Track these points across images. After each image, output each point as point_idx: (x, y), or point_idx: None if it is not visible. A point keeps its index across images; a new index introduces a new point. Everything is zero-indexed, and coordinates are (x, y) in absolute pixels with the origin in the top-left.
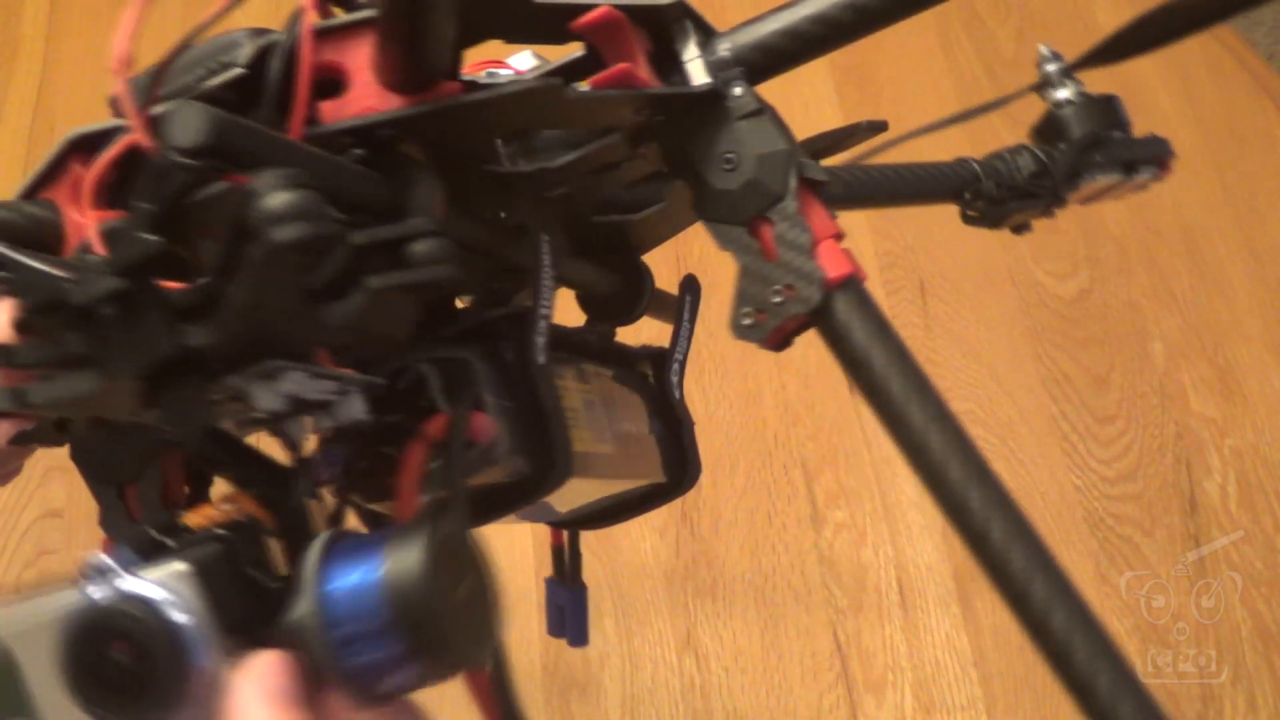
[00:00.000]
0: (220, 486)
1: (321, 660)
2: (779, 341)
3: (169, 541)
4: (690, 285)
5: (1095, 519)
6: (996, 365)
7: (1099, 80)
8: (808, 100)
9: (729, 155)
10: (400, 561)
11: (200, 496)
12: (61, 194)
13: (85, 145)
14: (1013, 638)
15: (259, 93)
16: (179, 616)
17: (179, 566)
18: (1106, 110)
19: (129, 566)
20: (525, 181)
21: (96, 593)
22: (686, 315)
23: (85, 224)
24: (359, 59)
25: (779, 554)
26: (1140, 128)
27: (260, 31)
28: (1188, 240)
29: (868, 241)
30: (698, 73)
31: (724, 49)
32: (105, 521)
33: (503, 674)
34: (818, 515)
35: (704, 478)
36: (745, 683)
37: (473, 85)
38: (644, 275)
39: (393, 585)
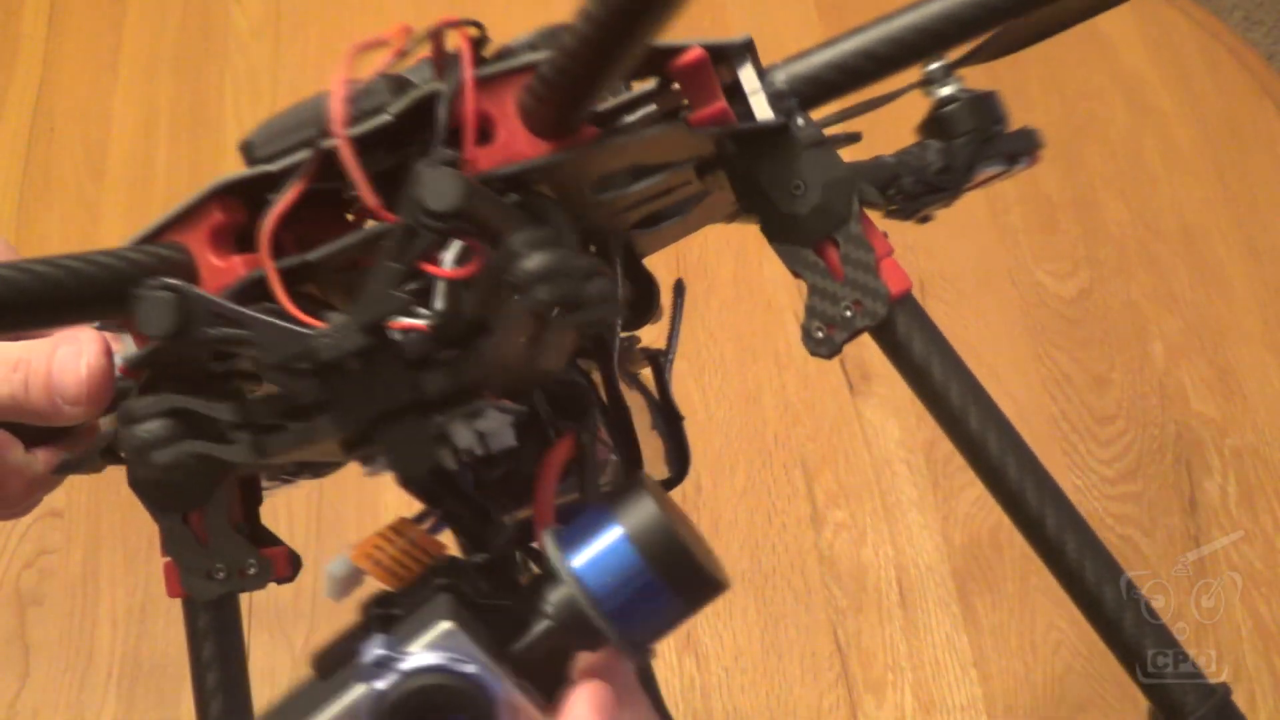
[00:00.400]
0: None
1: (602, 632)
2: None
3: (395, 611)
4: (680, 289)
5: (1095, 519)
6: (996, 365)
7: (981, 76)
8: None
9: (797, 182)
10: (635, 515)
11: (251, 520)
12: (195, 237)
13: (230, 191)
14: (1013, 638)
15: (398, 140)
16: (469, 669)
17: (445, 625)
18: (989, 106)
19: (398, 647)
20: (602, 210)
21: (382, 684)
22: (679, 317)
23: (228, 268)
24: (505, 106)
25: (779, 554)
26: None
27: (400, 81)
28: (1188, 240)
29: None
30: (761, 105)
31: (780, 81)
32: (169, 548)
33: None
34: (818, 515)
35: (704, 478)
36: (745, 683)
37: (609, 128)
38: (654, 281)
39: (640, 536)
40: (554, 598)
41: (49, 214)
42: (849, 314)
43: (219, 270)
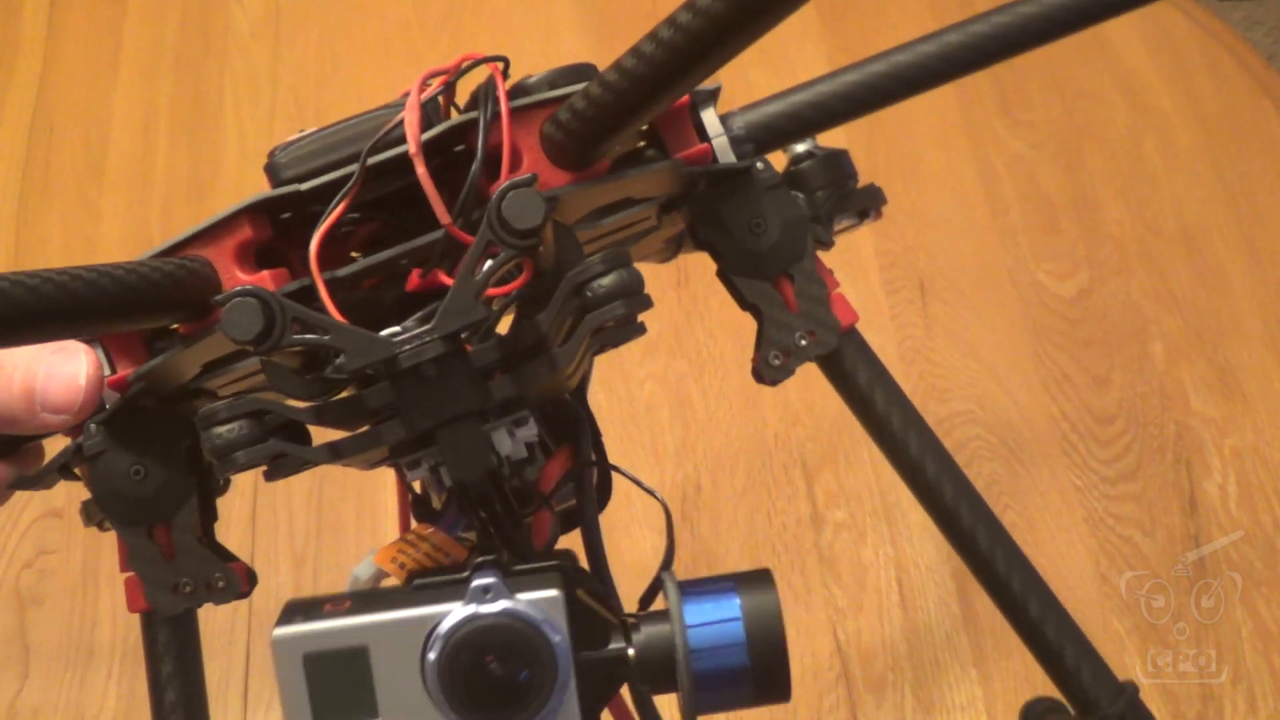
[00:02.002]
0: (229, 523)
1: (679, 682)
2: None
3: (523, 567)
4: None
5: (1095, 519)
6: (996, 365)
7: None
8: None
9: (757, 220)
10: (757, 600)
11: (209, 536)
12: (219, 252)
13: (259, 209)
14: (1013, 638)
15: (407, 166)
16: (554, 636)
17: (554, 592)
18: (840, 163)
19: (510, 589)
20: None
21: (481, 608)
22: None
23: (256, 282)
24: (532, 136)
25: (779, 554)
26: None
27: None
28: (1188, 240)
29: (868, 241)
30: (723, 148)
31: (739, 126)
32: (133, 563)
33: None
34: (818, 515)
35: (704, 478)
36: None
37: (618, 162)
38: None
39: (753, 620)
40: (651, 632)
41: (49, 214)
42: (803, 343)
43: (244, 284)
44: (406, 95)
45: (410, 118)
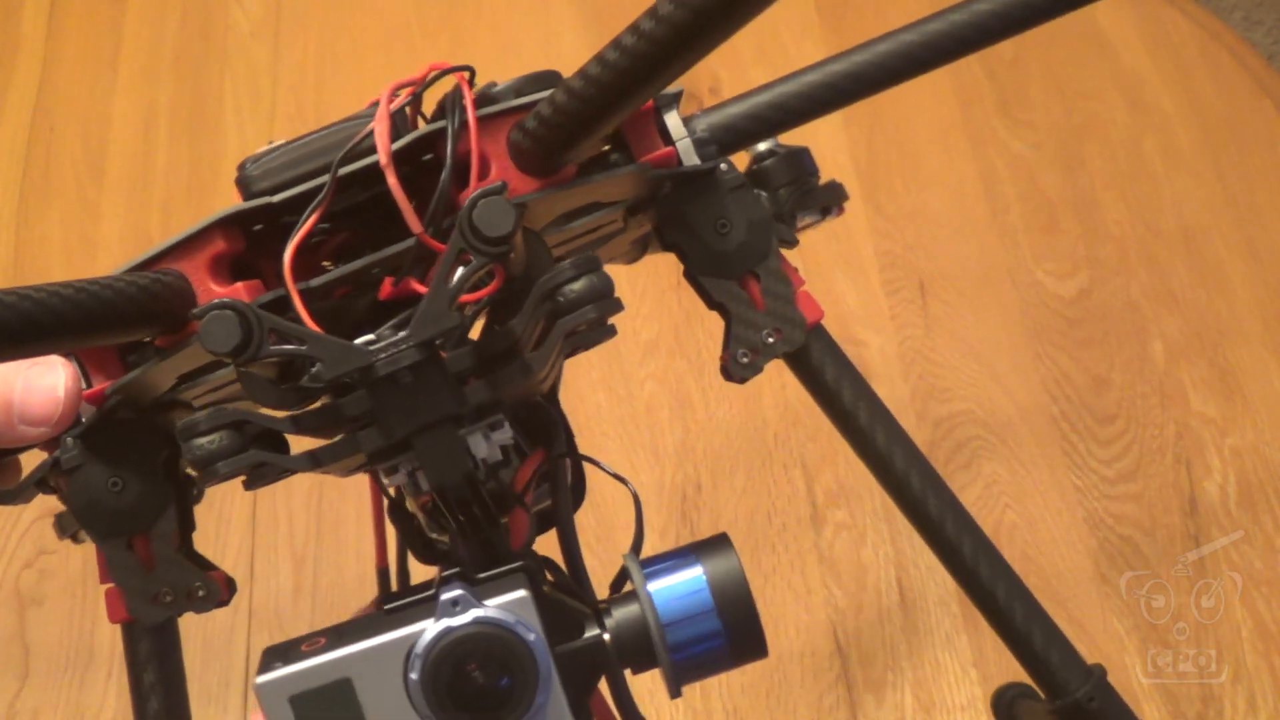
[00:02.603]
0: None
1: (658, 656)
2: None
3: (486, 574)
4: None
5: (1095, 519)
6: (996, 365)
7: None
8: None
9: (723, 221)
10: (718, 564)
11: (187, 545)
12: (193, 265)
13: (231, 222)
14: None
15: (376, 177)
16: (528, 635)
17: (521, 593)
18: (802, 160)
19: (476, 597)
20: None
21: (452, 621)
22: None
23: (230, 294)
24: (499, 144)
25: (779, 554)
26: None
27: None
28: (1188, 240)
29: (868, 241)
30: (687, 150)
31: (702, 129)
32: (114, 574)
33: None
34: (818, 515)
35: (704, 478)
36: (745, 683)
37: (584, 167)
38: None
39: (718, 583)
40: (622, 615)
41: (49, 214)
42: (770, 340)
43: (219, 296)
44: (375, 105)
45: (380, 128)
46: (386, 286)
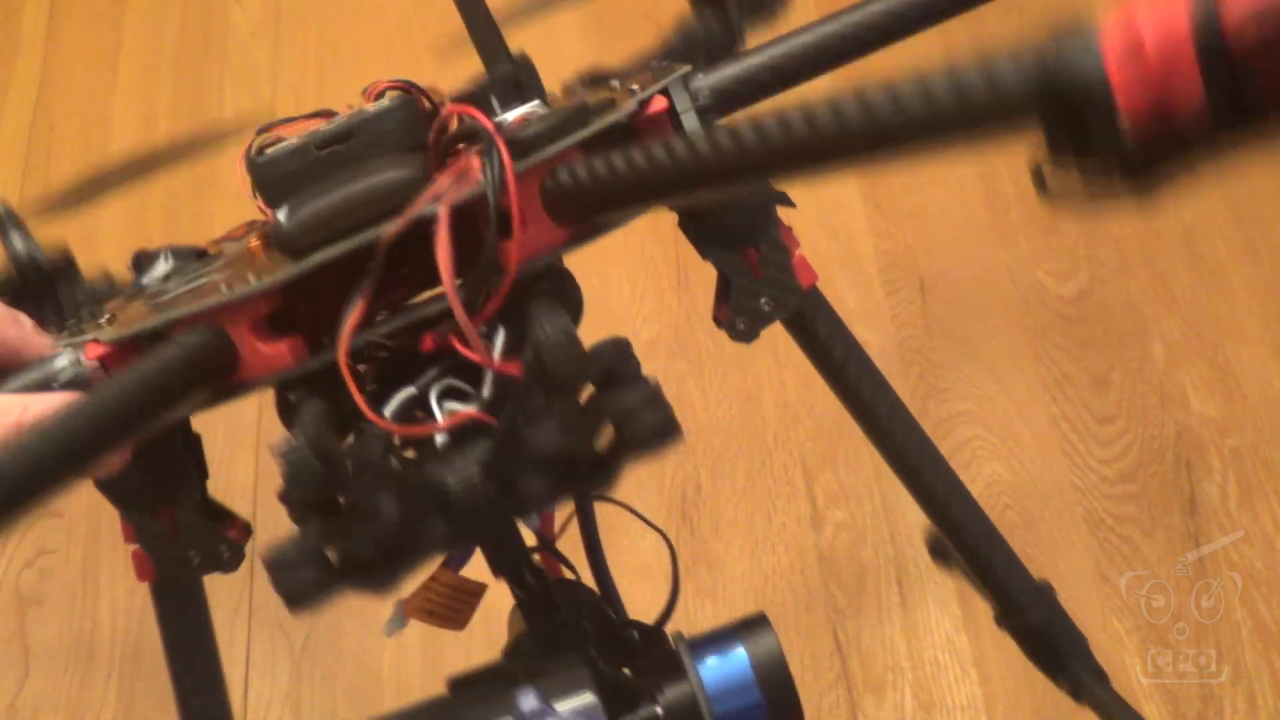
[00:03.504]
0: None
1: None
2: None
3: (541, 664)
4: None
5: (1095, 519)
6: (996, 365)
7: None
8: None
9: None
10: (759, 645)
11: (204, 496)
12: (236, 323)
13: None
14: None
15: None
16: None
17: (590, 698)
18: None
19: (549, 703)
20: None
21: None
22: None
23: (275, 354)
24: (533, 196)
25: (779, 554)
26: None
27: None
28: (1188, 240)
29: (868, 241)
30: (691, 122)
31: (704, 96)
32: (141, 539)
33: None
34: (818, 515)
35: (704, 478)
36: None
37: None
38: None
39: (760, 663)
40: (674, 693)
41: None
42: (768, 308)
43: (264, 355)
44: (383, 95)
45: (443, 253)
46: (427, 341)
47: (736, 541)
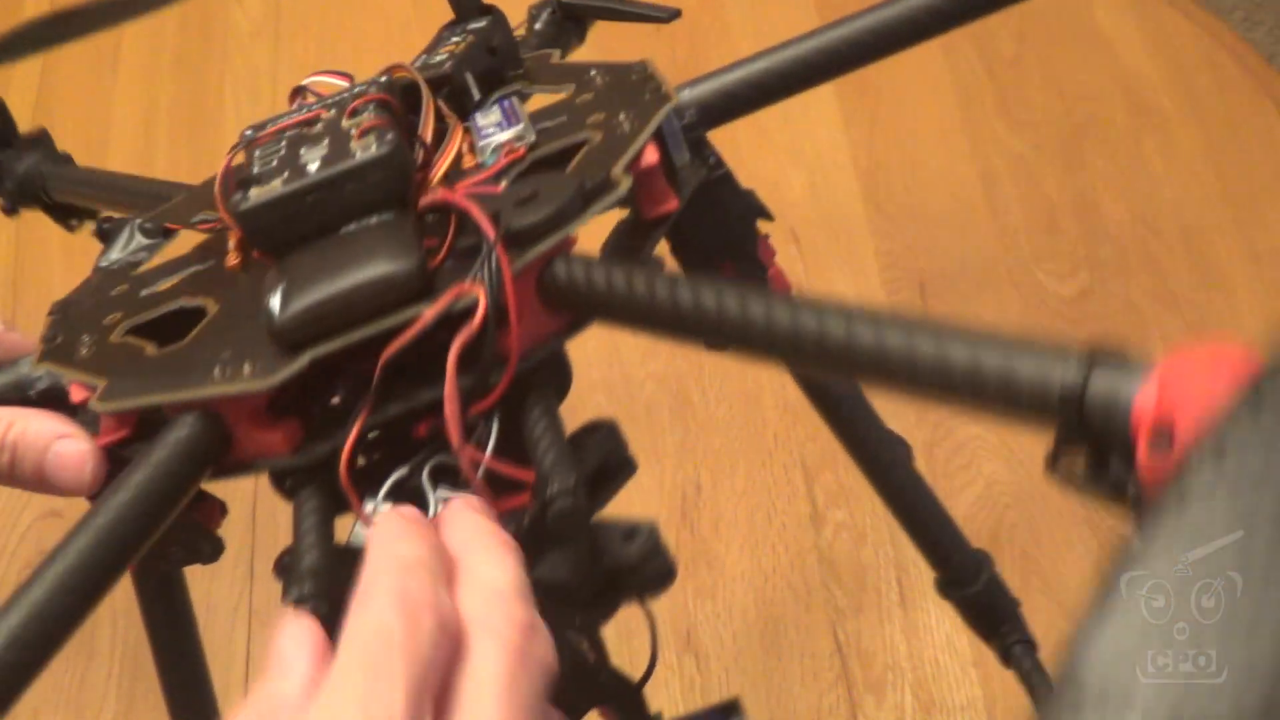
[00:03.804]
0: None
1: None
2: None
3: None
4: None
5: (1095, 519)
6: None
7: None
8: (808, 105)
9: (706, 213)
10: None
11: None
12: (236, 410)
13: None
14: None
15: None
16: None
17: None
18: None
19: None
20: None
21: None
22: None
23: (271, 440)
24: (528, 289)
25: (779, 554)
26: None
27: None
28: (1188, 240)
29: (868, 241)
30: (678, 146)
31: (691, 113)
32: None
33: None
34: (818, 515)
35: (704, 478)
36: (745, 683)
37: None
38: None
39: None
40: None
41: None
42: None
43: (261, 440)
44: (354, 90)
45: (451, 408)
46: (421, 429)
47: (736, 541)
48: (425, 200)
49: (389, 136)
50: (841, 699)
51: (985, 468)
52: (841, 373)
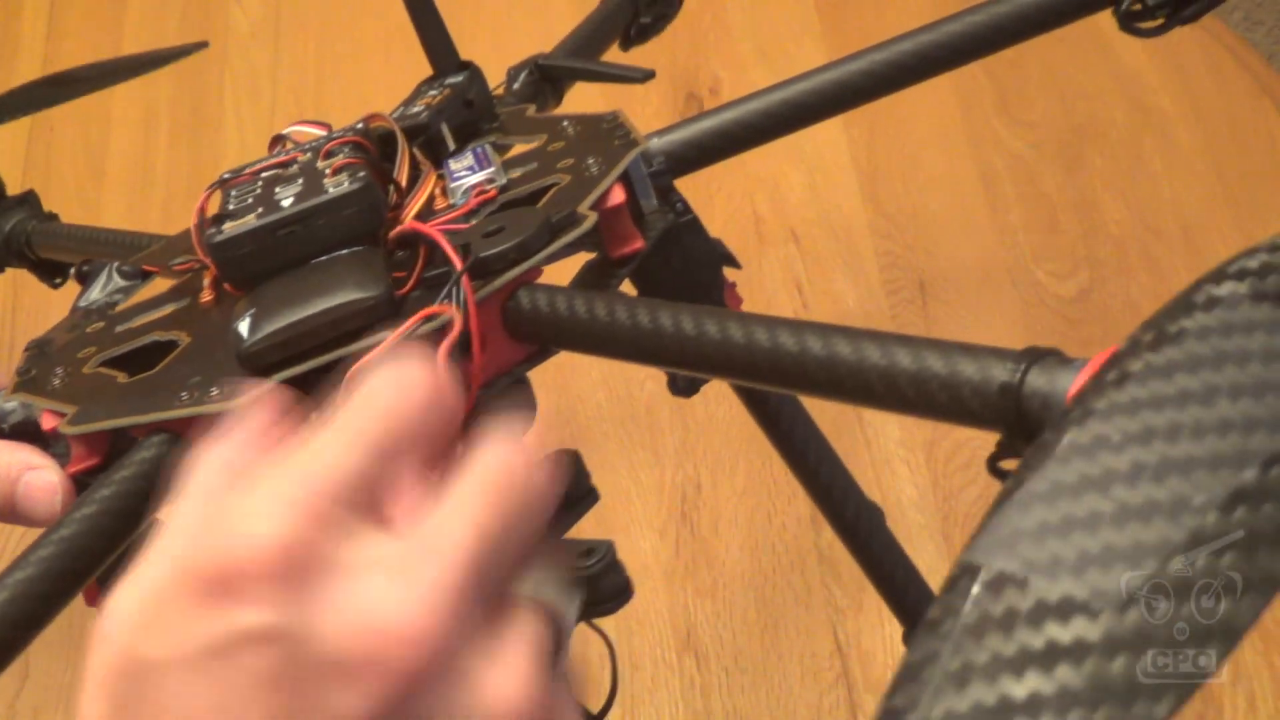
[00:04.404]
0: None
1: None
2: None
3: None
4: None
5: None
6: None
7: None
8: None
9: (672, 258)
10: None
11: None
12: (196, 432)
13: None
14: None
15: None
16: None
17: None
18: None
19: None
20: None
21: None
22: None
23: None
24: (494, 316)
25: (779, 554)
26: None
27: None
28: (1188, 240)
29: (868, 241)
30: (645, 189)
31: (658, 161)
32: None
33: None
34: (818, 515)
35: (704, 477)
36: (745, 683)
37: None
38: None
39: None
40: None
41: None
42: None
43: None
44: (322, 140)
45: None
46: None
47: (736, 541)
48: (395, 231)
49: (361, 174)
50: (841, 699)
51: (985, 468)
52: (800, 386)
